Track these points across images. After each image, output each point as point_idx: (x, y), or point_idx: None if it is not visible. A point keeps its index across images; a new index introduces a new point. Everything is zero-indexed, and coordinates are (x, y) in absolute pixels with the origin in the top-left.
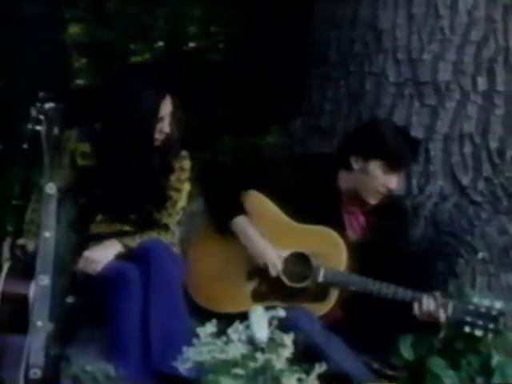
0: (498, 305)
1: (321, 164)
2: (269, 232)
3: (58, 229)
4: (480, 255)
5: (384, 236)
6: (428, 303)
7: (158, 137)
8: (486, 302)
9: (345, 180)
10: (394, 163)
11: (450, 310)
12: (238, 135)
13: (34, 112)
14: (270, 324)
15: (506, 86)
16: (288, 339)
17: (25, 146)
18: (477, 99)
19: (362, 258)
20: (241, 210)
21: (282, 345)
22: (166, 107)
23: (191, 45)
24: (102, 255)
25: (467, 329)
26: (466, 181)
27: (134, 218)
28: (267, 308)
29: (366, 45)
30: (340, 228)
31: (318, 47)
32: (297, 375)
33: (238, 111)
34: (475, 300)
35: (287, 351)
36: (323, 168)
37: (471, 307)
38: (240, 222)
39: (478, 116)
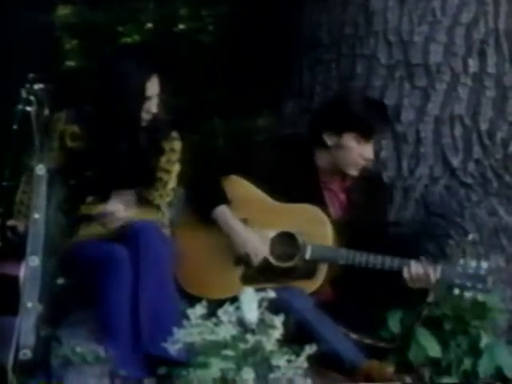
0: (485, 265)
1: (297, 144)
2: (253, 214)
3: (48, 210)
4: (470, 237)
5: (366, 211)
6: (416, 268)
7: (145, 117)
8: (473, 263)
9: (322, 158)
10: (366, 132)
11: (438, 273)
12: (229, 117)
13: (24, 93)
14: (259, 305)
15: (496, 68)
16: (278, 321)
17: (14, 127)
18: (467, 81)
19: (348, 235)
20: (221, 198)
21: (272, 326)
22: (153, 87)
23: (181, 26)
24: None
25: (456, 291)
26: (456, 163)
27: None
28: (257, 290)
29: (357, 27)
30: (322, 207)
31: (309, 30)
32: (287, 356)
33: (229, 93)
34: (462, 262)
35: (277, 333)
36: (300, 148)
37: (459, 269)
38: (220, 211)
39: (468, 98)
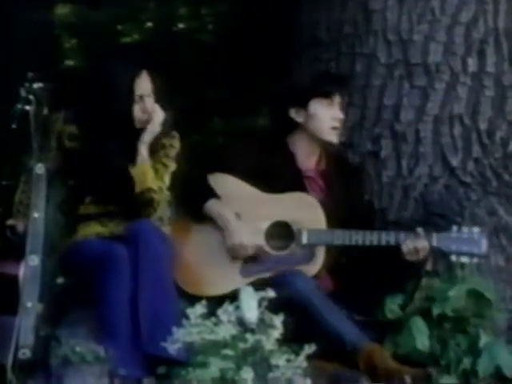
0: (476, 229)
1: (270, 139)
2: (245, 208)
3: (47, 209)
4: None
5: (342, 195)
6: (413, 239)
7: (141, 117)
8: (465, 229)
9: (295, 142)
10: (326, 92)
11: (434, 242)
12: (229, 117)
13: (23, 92)
14: (259, 305)
15: (495, 68)
16: (278, 320)
17: (13, 126)
18: (467, 80)
19: (331, 219)
20: (211, 193)
21: (272, 326)
22: (143, 85)
23: (180, 26)
24: None
25: (454, 257)
26: (455, 162)
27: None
28: (258, 285)
29: (357, 26)
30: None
31: (309, 29)
32: (286, 356)
33: (229, 93)
34: (455, 229)
35: (277, 332)
36: (272, 141)
37: (453, 235)
38: (213, 204)
39: (467, 97)
